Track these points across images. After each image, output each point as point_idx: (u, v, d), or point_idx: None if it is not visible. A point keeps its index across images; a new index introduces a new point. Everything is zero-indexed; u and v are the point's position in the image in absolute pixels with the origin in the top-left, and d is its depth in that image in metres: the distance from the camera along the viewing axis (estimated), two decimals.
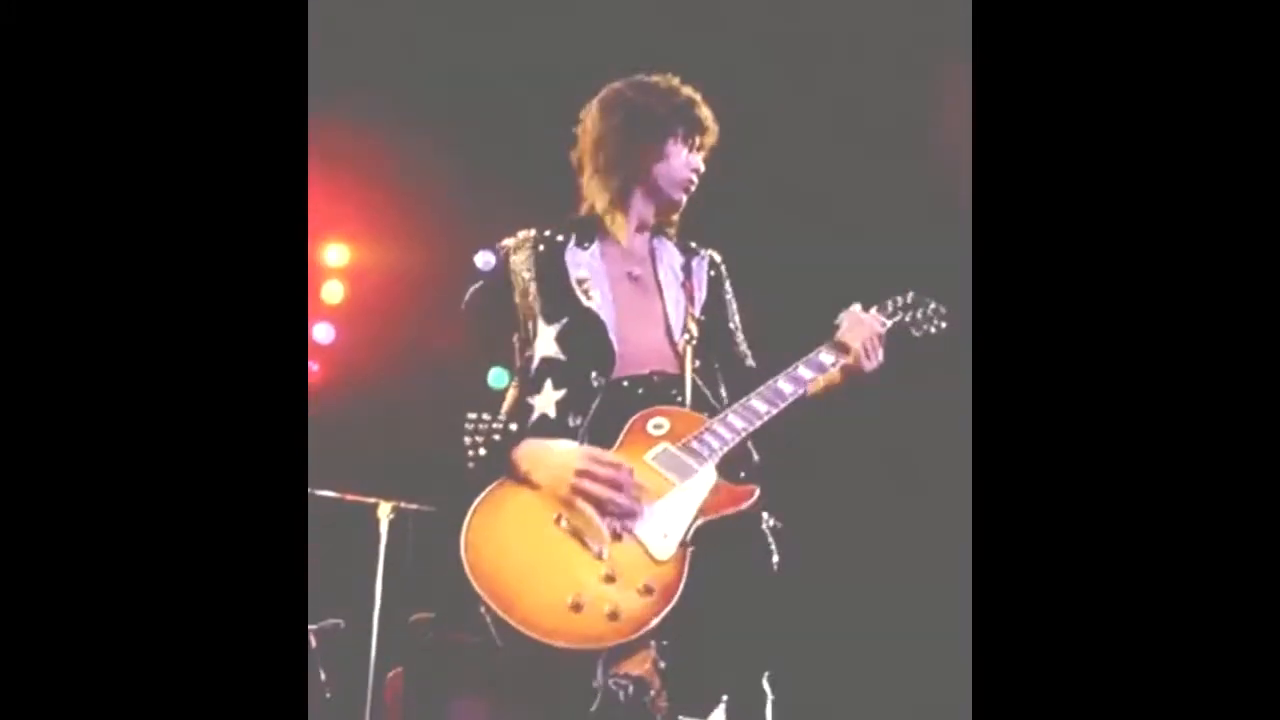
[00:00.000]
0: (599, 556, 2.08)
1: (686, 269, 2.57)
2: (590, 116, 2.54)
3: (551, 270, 2.44)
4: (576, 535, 2.11)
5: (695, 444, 2.24)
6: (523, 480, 2.19)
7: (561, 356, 2.37)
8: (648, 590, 2.04)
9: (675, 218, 2.59)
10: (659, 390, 2.36)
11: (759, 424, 2.28)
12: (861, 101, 4.66)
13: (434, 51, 5.05)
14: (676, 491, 2.17)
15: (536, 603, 2.02)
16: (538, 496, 2.17)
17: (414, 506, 4.48)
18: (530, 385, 2.37)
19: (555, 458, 2.19)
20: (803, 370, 2.38)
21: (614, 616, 2.00)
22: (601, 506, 2.13)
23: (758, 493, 2.20)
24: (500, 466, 2.21)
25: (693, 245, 2.63)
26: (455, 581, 2.08)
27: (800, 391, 2.35)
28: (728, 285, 2.63)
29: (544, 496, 2.16)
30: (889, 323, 2.54)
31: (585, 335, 2.37)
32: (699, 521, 2.14)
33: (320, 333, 5.83)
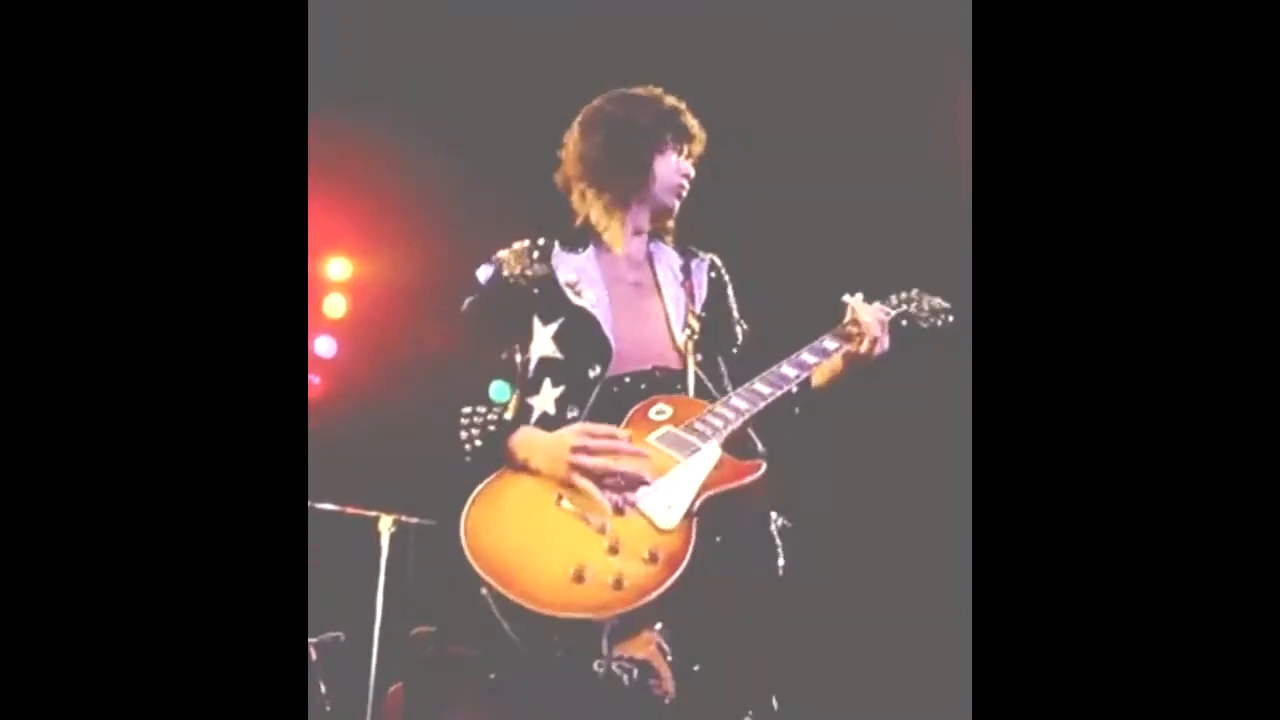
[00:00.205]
0: (601, 531, 2.06)
1: (686, 270, 2.59)
2: (572, 138, 2.57)
3: (546, 276, 2.45)
4: (578, 514, 2.10)
5: (699, 424, 2.24)
6: (521, 468, 2.19)
7: (559, 355, 2.38)
8: (652, 558, 2.02)
9: (670, 223, 2.61)
10: (661, 385, 2.37)
11: (762, 405, 2.28)
12: (862, 103, 4.66)
13: (435, 67, 5.06)
14: (681, 467, 2.16)
15: (537, 577, 2.00)
16: (538, 481, 2.17)
17: (415, 520, 4.48)
18: (530, 387, 2.38)
19: (552, 441, 2.20)
20: (806, 355, 2.39)
21: (618, 584, 1.98)
22: (601, 480, 2.12)
23: (764, 467, 2.18)
24: (497, 457, 2.21)
25: (692, 249, 2.65)
26: (456, 595, 2.07)
27: (803, 375, 2.36)
28: (729, 287, 2.64)
29: (544, 481, 2.16)
30: (893, 312, 2.55)
31: (580, 333, 2.39)
32: (705, 495, 2.12)
33: (322, 346, 5.84)
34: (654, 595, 1.98)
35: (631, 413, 2.29)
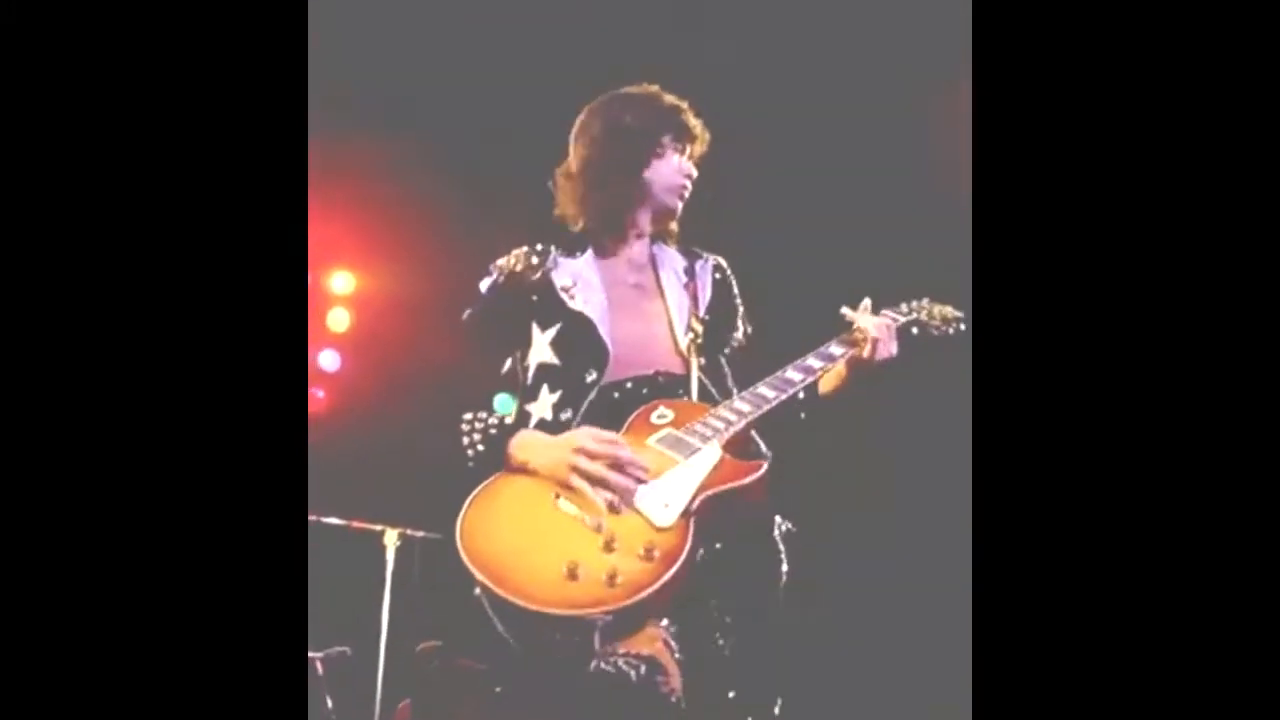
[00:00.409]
0: (597, 529, 2.04)
1: (690, 272, 2.56)
2: (576, 135, 2.54)
3: (544, 281, 2.43)
4: (575, 513, 2.08)
5: (700, 426, 2.21)
6: (520, 469, 2.18)
7: (556, 361, 2.37)
8: (648, 555, 1.99)
9: (674, 226, 2.58)
10: (664, 390, 2.35)
11: (765, 409, 2.25)
12: (864, 109, 4.66)
13: (436, 79, 5.07)
14: (680, 466, 2.14)
15: (531, 575, 1.99)
16: (535, 481, 2.15)
17: (420, 534, 4.47)
18: (528, 394, 2.37)
19: (552, 443, 2.19)
20: (812, 360, 2.36)
21: (612, 580, 1.95)
22: (599, 484, 2.10)
23: (765, 466, 2.16)
24: (497, 462, 2.20)
25: (696, 250, 2.62)
26: (462, 608, 2.06)
27: (808, 380, 2.33)
28: (735, 289, 2.61)
29: (542, 481, 2.15)
30: (901, 319, 2.50)
31: (578, 338, 2.37)
32: (705, 494, 2.09)
33: (326, 360, 5.85)
34: (648, 592, 1.96)
35: (633, 417, 2.27)
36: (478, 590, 2.01)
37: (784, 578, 2.27)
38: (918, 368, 2.51)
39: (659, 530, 2.04)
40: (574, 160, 2.54)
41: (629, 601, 1.95)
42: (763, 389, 2.29)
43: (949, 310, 2.61)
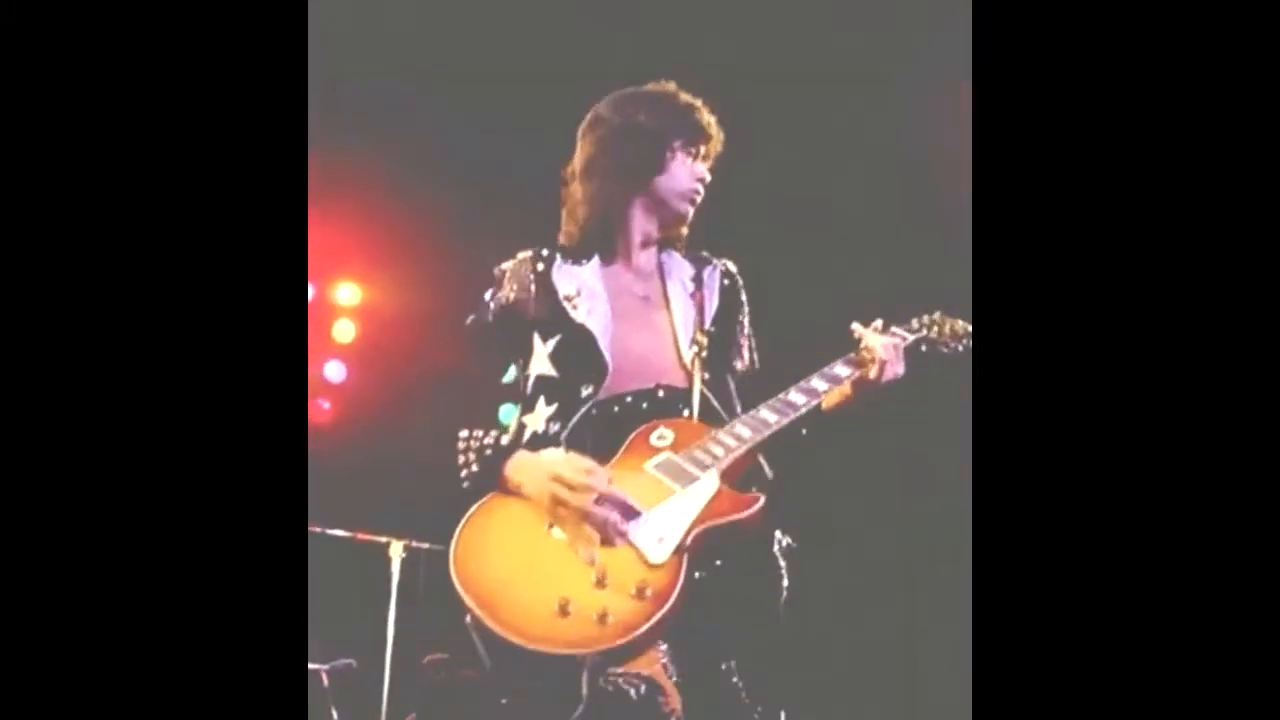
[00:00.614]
0: (590, 563, 2.01)
1: (697, 279, 2.48)
2: (583, 134, 2.46)
3: (547, 289, 2.39)
4: (568, 543, 2.06)
5: (699, 452, 2.17)
6: (514, 492, 2.14)
7: (554, 374, 2.32)
8: (640, 594, 1.97)
9: (683, 231, 2.50)
10: (665, 405, 2.30)
11: (767, 434, 2.19)
12: (864, 109, 4.66)
13: (439, 88, 5.08)
14: (676, 498, 2.10)
15: (523, 610, 1.97)
16: (529, 507, 2.12)
17: (425, 545, 4.46)
18: (526, 405, 2.33)
19: (542, 467, 2.14)
20: (816, 382, 2.29)
21: (603, 619, 1.93)
22: (581, 521, 2.06)
23: (762, 500, 2.12)
24: (493, 482, 2.17)
25: (704, 255, 2.54)
26: (480, 639, 2.04)
27: (813, 403, 2.26)
28: (743, 295, 2.54)
29: (535, 507, 2.11)
30: (911, 338, 2.42)
31: (578, 350, 2.32)
32: (700, 528, 2.06)
33: (332, 371, 5.85)
34: (639, 632, 1.94)
35: (633, 437, 2.23)
36: (468, 618, 2.00)
37: (784, 593, 2.24)
38: (922, 384, 2.48)
39: (652, 568, 2.01)
40: (580, 158, 2.46)
41: (619, 643, 1.94)
42: (765, 413, 2.23)
43: (960, 324, 2.50)
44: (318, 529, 4.37)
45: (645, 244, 2.47)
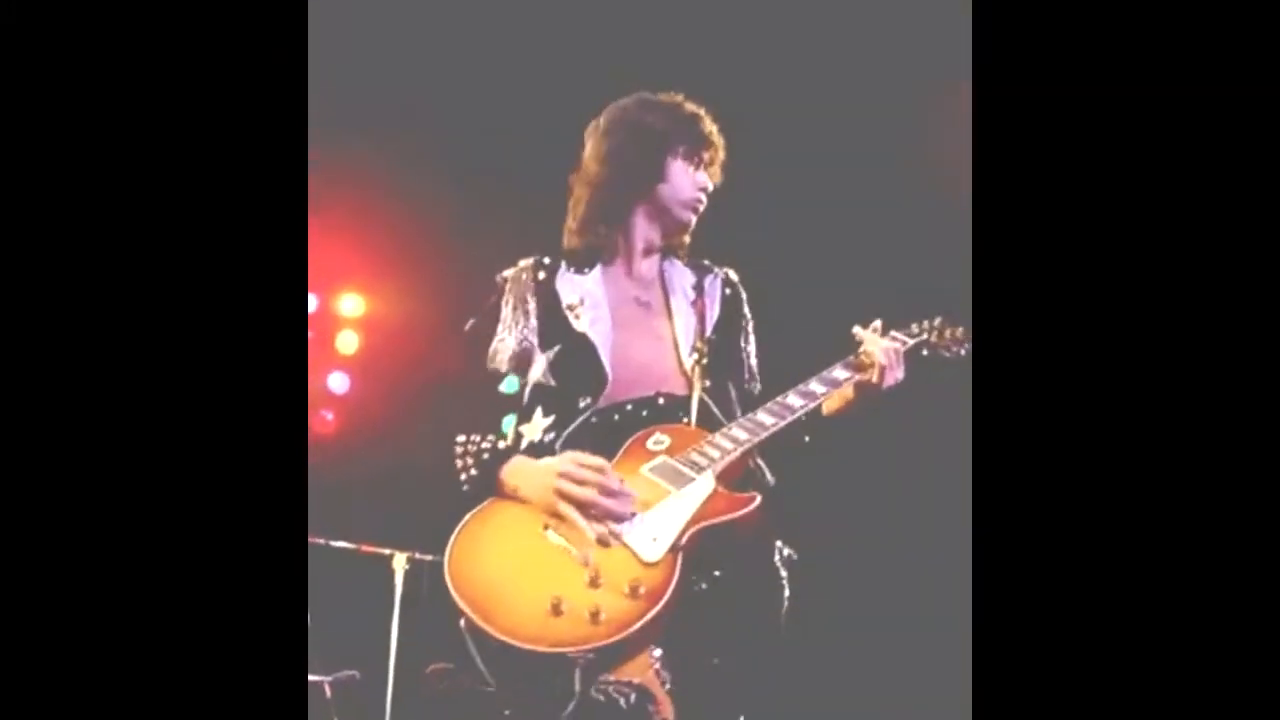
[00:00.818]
0: (584, 563, 2.02)
1: (699, 287, 2.50)
2: (589, 139, 2.48)
3: (548, 297, 2.40)
4: (562, 545, 2.06)
5: (695, 455, 2.17)
6: (511, 496, 2.15)
7: (552, 383, 2.33)
8: (634, 592, 1.97)
9: (686, 239, 2.51)
10: (665, 412, 2.30)
11: (764, 436, 2.19)
12: (864, 111, 4.66)
13: (441, 97, 5.09)
14: (671, 499, 2.11)
15: (514, 608, 1.97)
16: (525, 510, 2.13)
17: (429, 557, 4.46)
18: (523, 414, 2.34)
19: (540, 469, 2.16)
20: (815, 385, 2.29)
21: (595, 617, 1.93)
22: (585, 509, 2.07)
23: (759, 499, 2.11)
24: (490, 487, 2.17)
25: (706, 263, 2.55)
26: (473, 641, 2.03)
27: (810, 406, 2.27)
28: (746, 308, 2.55)
29: (531, 510, 2.12)
30: (911, 342, 2.42)
31: (578, 359, 2.33)
32: (695, 528, 2.06)
33: (335, 382, 5.85)
34: (632, 630, 1.93)
35: (629, 443, 2.23)
36: (462, 622, 1.99)
37: (785, 604, 2.23)
38: (923, 389, 2.47)
39: (646, 566, 2.01)
40: (584, 163, 2.47)
41: (612, 640, 1.93)
42: (762, 415, 2.23)
43: (960, 330, 2.49)
44: (321, 541, 4.37)
45: (648, 252, 2.48)
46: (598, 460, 2.15)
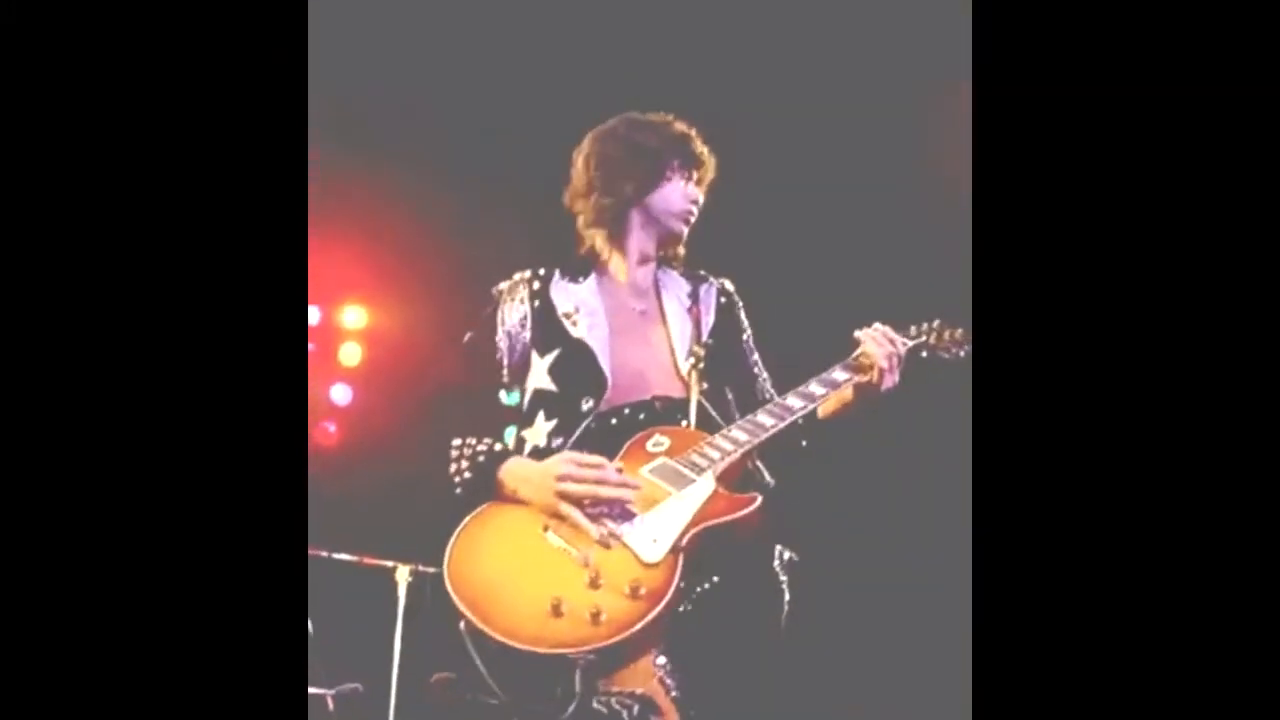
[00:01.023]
0: (584, 564, 2.02)
1: (694, 295, 2.54)
2: (582, 154, 2.53)
3: (544, 306, 2.43)
4: (562, 546, 2.06)
5: (695, 456, 2.18)
6: (510, 498, 2.16)
7: (553, 388, 2.35)
8: (635, 592, 1.97)
9: (680, 250, 2.56)
10: (662, 416, 2.31)
11: (764, 437, 2.21)
12: (864, 113, 4.66)
13: (443, 107, 5.09)
14: (671, 500, 2.11)
15: (514, 610, 1.97)
16: (525, 511, 2.13)
17: (432, 570, 4.44)
18: (524, 420, 2.36)
19: (539, 469, 2.17)
20: (814, 386, 2.31)
21: (596, 618, 1.93)
22: (586, 508, 2.08)
23: (759, 500, 2.12)
24: (487, 489, 2.18)
25: (701, 273, 2.60)
26: (474, 644, 2.03)
27: (810, 407, 2.28)
28: (742, 312, 2.59)
29: (531, 511, 2.13)
30: (910, 343, 2.43)
31: (577, 365, 2.35)
32: (696, 529, 2.06)
33: (338, 394, 5.85)
34: (633, 630, 1.93)
35: (628, 445, 2.24)
36: (462, 624, 1.99)
37: (786, 608, 2.23)
38: (923, 391, 2.47)
39: (646, 567, 2.01)
40: (580, 179, 2.51)
41: (612, 640, 1.93)
42: (761, 416, 2.25)
43: (960, 332, 2.50)
44: (323, 553, 4.36)
45: (642, 261, 2.53)
46: (597, 459, 2.16)
